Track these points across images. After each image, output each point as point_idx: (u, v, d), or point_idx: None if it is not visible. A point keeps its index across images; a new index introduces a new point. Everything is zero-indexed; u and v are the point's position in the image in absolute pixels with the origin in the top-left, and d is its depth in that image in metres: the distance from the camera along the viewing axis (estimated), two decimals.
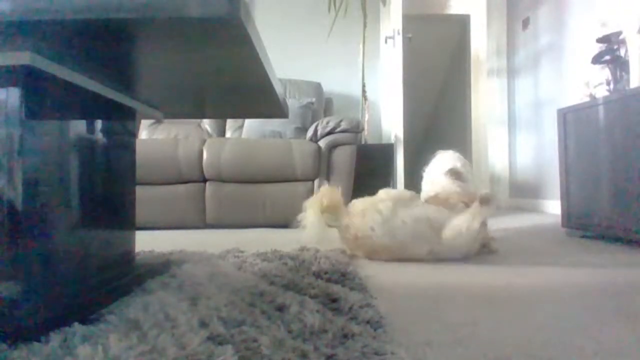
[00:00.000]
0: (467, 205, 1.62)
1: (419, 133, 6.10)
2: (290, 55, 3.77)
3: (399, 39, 3.28)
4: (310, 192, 2.61)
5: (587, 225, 2.03)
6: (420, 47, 4.33)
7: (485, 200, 1.56)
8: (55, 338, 0.69)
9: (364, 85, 3.50)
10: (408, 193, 1.74)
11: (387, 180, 3.22)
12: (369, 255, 1.56)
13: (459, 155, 2.01)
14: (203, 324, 0.77)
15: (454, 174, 1.84)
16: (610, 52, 2.16)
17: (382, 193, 1.69)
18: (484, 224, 1.58)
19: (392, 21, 3.40)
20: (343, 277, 1.17)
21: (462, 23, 4.77)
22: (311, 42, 3.84)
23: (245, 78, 0.98)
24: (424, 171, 2.06)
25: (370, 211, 1.56)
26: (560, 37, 3.22)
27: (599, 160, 1.93)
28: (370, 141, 3.61)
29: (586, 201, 2.03)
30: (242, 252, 1.59)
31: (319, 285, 1.07)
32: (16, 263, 0.74)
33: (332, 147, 2.67)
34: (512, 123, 4.00)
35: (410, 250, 1.51)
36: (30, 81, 0.76)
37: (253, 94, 1.14)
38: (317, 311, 0.85)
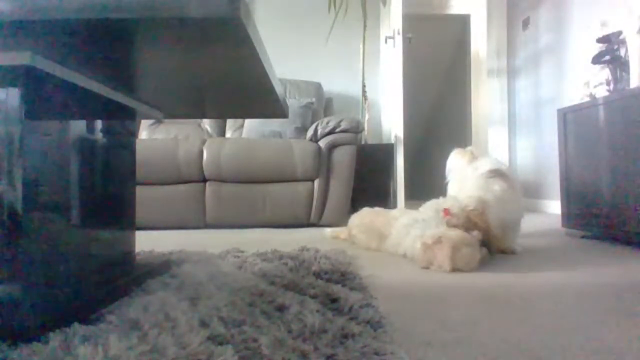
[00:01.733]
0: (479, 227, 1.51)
1: (419, 133, 6.10)
2: (290, 55, 3.77)
3: (399, 39, 3.28)
4: (310, 192, 2.61)
5: (587, 225, 2.03)
6: (420, 47, 4.33)
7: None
8: (55, 338, 0.69)
9: (364, 85, 3.50)
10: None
11: (387, 180, 3.22)
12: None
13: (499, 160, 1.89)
14: (203, 324, 0.77)
15: (498, 174, 1.70)
16: (610, 52, 2.16)
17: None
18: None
19: (392, 21, 3.40)
20: (343, 277, 1.17)
21: (462, 23, 4.77)
22: (311, 42, 3.84)
23: (245, 78, 0.98)
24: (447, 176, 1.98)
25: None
26: (560, 37, 3.22)
27: (599, 160, 1.93)
28: (370, 141, 3.61)
29: (586, 201, 2.03)
30: (242, 252, 1.59)
31: (319, 285, 1.07)
32: (16, 263, 0.74)
33: (332, 147, 2.67)
34: (512, 123, 4.00)
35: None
36: (30, 81, 0.76)
37: (253, 94, 1.13)
38: (317, 311, 0.85)
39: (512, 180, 1.75)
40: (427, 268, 1.41)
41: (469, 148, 2.07)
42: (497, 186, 1.68)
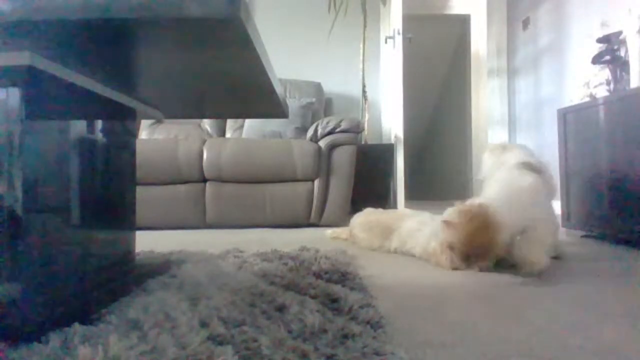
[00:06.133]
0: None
1: (419, 133, 6.10)
2: (290, 55, 3.77)
3: (399, 39, 3.27)
4: (310, 192, 2.61)
5: (587, 225, 2.03)
6: (420, 47, 4.34)
7: (448, 225, 1.36)
8: (55, 338, 0.69)
9: (364, 86, 3.50)
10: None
11: (387, 180, 3.22)
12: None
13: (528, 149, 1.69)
14: (203, 324, 0.77)
15: (528, 167, 1.48)
16: (610, 52, 2.16)
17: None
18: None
19: (392, 21, 3.40)
20: (343, 277, 1.17)
21: (462, 23, 4.77)
22: (311, 42, 3.84)
23: (245, 78, 0.98)
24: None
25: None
26: (560, 37, 3.22)
27: (599, 160, 1.93)
28: (370, 141, 3.61)
29: (586, 201, 2.03)
30: (242, 252, 1.59)
31: (319, 285, 1.07)
32: (16, 263, 0.74)
33: (332, 147, 2.67)
34: (512, 123, 4.00)
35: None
36: (30, 81, 0.76)
37: (253, 94, 1.13)
38: (317, 311, 0.85)
39: (545, 175, 1.52)
40: (468, 266, 1.37)
41: (500, 142, 2.01)
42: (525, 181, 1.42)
